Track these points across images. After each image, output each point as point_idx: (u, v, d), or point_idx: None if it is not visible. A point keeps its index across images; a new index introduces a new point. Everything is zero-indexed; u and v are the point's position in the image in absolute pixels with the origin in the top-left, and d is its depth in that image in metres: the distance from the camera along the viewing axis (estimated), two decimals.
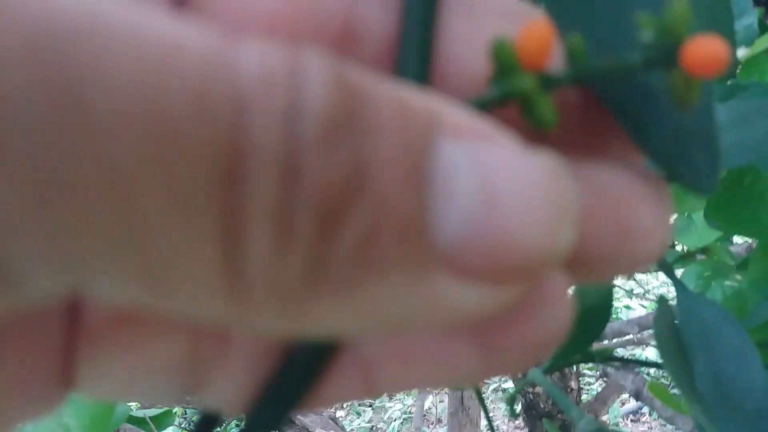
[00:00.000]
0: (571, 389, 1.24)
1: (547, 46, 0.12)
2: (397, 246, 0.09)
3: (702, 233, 0.73)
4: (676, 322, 0.43)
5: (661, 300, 0.42)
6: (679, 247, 0.88)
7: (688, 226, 0.74)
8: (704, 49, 0.12)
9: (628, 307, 2.43)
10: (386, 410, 2.40)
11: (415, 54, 0.12)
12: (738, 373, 0.42)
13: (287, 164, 0.08)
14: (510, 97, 0.12)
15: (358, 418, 2.43)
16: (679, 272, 0.78)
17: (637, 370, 0.95)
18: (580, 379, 1.20)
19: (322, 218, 0.08)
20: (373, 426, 2.40)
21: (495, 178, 0.09)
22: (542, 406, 1.23)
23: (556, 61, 0.12)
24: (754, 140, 0.41)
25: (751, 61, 0.70)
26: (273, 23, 0.12)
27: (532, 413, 1.25)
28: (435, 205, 0.09)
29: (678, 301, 0.45)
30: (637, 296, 2.20)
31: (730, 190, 0.51)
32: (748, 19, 0.45)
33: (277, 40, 0.09)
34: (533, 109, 0.12)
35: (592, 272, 0.12)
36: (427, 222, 0.09)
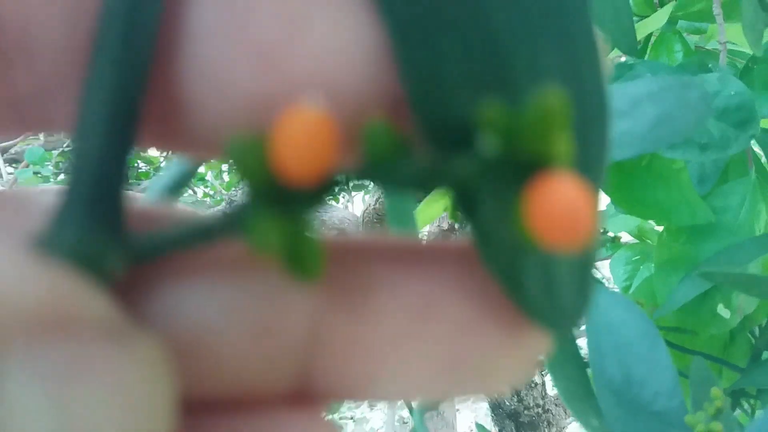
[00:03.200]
0: (535, 384, 1.23)
1: (323, 150, 0.07)
2: None
3: (628, 217, 0.73)
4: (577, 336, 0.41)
5: None
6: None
7: (615, 211, 0.73)
8: (557, 202, 0.07)
9: None
10: (367, 421, 2.38)
11: (112, 71, 0.09)
12: (649, 374, 0.41)
13: None
14: (237, 233, 0.08)
15: None
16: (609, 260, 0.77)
17: None
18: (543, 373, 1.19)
19: None
20: None
21: None
22: (507, 404, 1.22)
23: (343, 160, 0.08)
24: (644, 128, 0.40)
25: (659, 39, 0.70)
26: None
27: (499, 412, 1.24)
28: None
29: None
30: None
31: (629, 173, 0.50)
32: None
33: None
34: (290, 254, 0.08)
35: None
36: None
